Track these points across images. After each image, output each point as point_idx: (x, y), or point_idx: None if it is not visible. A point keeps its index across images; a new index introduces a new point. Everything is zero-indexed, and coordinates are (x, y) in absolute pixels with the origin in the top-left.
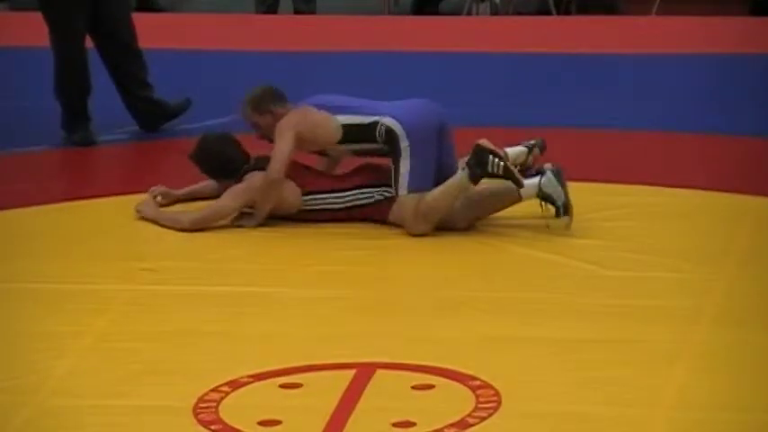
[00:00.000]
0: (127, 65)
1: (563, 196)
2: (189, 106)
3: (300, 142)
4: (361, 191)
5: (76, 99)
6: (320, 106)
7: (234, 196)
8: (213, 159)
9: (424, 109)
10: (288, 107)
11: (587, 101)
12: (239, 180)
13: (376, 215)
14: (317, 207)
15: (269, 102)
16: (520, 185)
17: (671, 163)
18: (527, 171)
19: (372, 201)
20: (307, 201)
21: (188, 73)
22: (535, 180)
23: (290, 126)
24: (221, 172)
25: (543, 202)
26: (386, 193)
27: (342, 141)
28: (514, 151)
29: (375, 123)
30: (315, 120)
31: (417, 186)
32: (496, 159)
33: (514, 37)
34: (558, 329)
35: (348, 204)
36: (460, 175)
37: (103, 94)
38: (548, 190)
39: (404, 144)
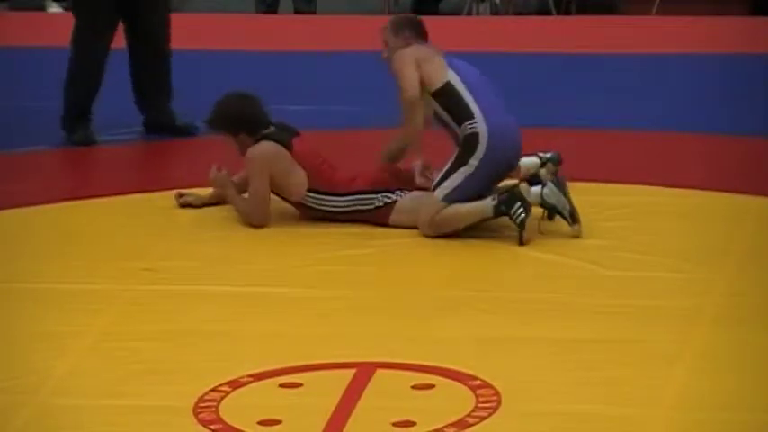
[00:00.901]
0: (154, 68)
1: (567, 204)
2: (195, 132)
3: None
4: (362, 197)
5: (83, 99)
6: (452, 65)
7: (257, 170)
8: (237, 114)
9: (512, 149)
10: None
11: (587, 101)
12: (257, 141)
13: (374, 220)
14: (316, 206)
15: (407, 28)
16: (521, 242)
17: (671, 163)
18: (532, 180)
19: (372, 207)
20: (307, 197)
21: (188, 73)
22: (537, 189)
23: (412, 59)
24: (245, 126)
25: (545, 212)
26: (386, 199)
27: (439, 94)
28: (527, 162)
29: (471, 116)
30: (436, 63)
31: (453, 200)
32: (521, 210)
33: (514, 37)
34: (558, 329)
35: (347, 209)
36: (487, 204)
37: (107, 93)
38: (551, 201)
39: (474, 161)
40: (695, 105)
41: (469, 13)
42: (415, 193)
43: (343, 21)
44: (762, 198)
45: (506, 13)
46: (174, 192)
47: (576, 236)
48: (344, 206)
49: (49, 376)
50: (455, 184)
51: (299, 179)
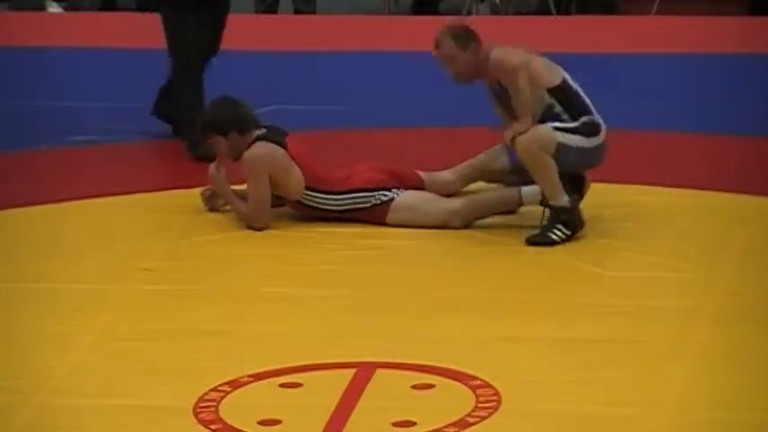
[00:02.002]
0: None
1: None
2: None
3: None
4: (360, 194)
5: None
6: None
7: (256, 172)
8: (226, 113)
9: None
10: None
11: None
12: (249, 146)
13: (372, 219)
14: (314, 204)
15: (472, 40)
16: (535, 242)
17: (671, 163)
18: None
19: (369, 205)
20: (306, 195)
21: None
22: (537, 188)
23: (520, 61)
24: (235, 124)
25: (546, 209)
26: (383, 197)
27: (556, 90)
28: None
29: (590, 111)
30: (539, 60)
31: (562, 147)
32: (564, 232)
33: (514, 37)
34: (558, 329)
35: (345, 207)
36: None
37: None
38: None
39: (592, 143)
40: (695, 105)
41: (469, 13)
42: (413, 192)
43: (343, 21)
44: (761, 198)
45: (506, 13)
46: (201, 191)
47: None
48: (342, 204)
49: (49, 376)
50: (571, 143)
51: (297, 177)
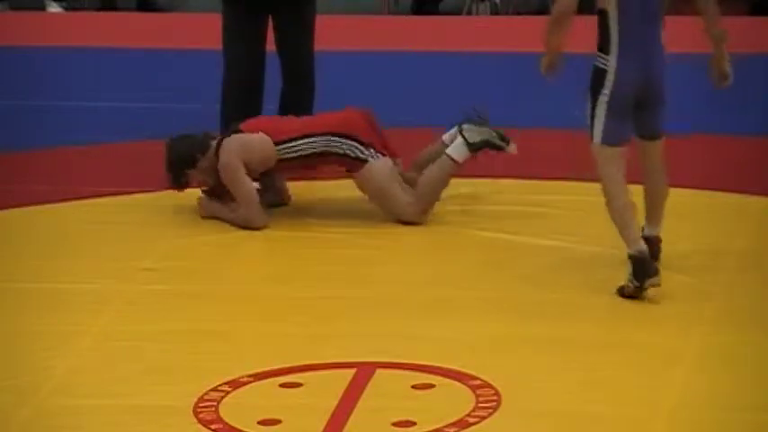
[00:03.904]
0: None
1: (492, 131)
2: None
3: None
4: (332, 138)
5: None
6: None
7: (234, 176)
8: (184, 147)
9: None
10: None
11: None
12: (216, 154)
13: (345, 167)
14: (291, 155)
15: None
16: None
17: (671, 163)
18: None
19: (341, 153)
20: (280, 150)
21: (187, 72)
22: (459, 140)
23: None
24: (197, 150)
25: (475, 153)
26: (358, 152)
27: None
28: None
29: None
30: None
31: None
32: (640, 279)
33: (514, 37)
34: (559, 329)
35: (319, 150)
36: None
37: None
38: (476, 139)
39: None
40: (695, 105)
41: (469, 13)
42: (386, 164)
43: (343, 21)
44: (762, 198)
45: (506, 13)
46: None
47: (514, 150)
48: (315, 147)
49: (49, 376)
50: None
51: (264, 144)
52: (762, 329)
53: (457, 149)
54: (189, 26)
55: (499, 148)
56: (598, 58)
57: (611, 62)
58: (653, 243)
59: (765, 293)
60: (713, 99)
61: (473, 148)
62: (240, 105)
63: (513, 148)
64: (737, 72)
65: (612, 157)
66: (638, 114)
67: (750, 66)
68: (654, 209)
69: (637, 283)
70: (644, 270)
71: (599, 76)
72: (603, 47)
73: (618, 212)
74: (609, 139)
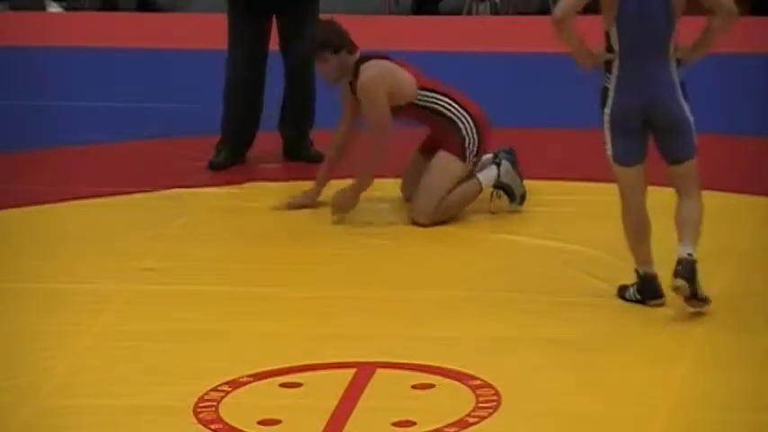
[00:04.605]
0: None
1: (521, 187)
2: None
3: None
4: (467, 118)
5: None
6: None
7: (375, 95)
8: (341, 34)
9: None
10: None
11: (587, 101)
12: (353, 68)
13: (448, 148)
14: (425, 104)
15: None
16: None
17: None
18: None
19: (462, 137)
20: (420, 94)
21: (187, 72)
22: (493, 171)
23: None
24: (348, 45)
25: (496, 191)
26: (471, 149)
27: None
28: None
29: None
30: None
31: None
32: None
33: (514, 37)
34: (559, 329)
35: (449, 116)
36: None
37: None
38: (506, 180)
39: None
40: (695, 105)
41: (469, 13)
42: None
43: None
44: (762, 198)
45: (506, 13)
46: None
47: (514, 212)
48: (453, 114)
49: (49, 376)
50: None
51: (410, 80)
52: (762, 329)
53: (487, 178)
54: (189, 26)
55: (511, 199)
56: (604, 76)
57: (612, 82)
58: (682, 263)
59: (765, 293)
60: (713, 99)
61: (497, 184)
62: (240, 104)
63: (515, 208)
64: (737, 72)
65: (626, 174)
66: (656, 137)
67: (750, 65)
68: (681, 230)
69: (639, 297)
70: (646, 290)
71: (604, 93)
72: (608, 65)
73: (630, 228)
74: (618, 159)
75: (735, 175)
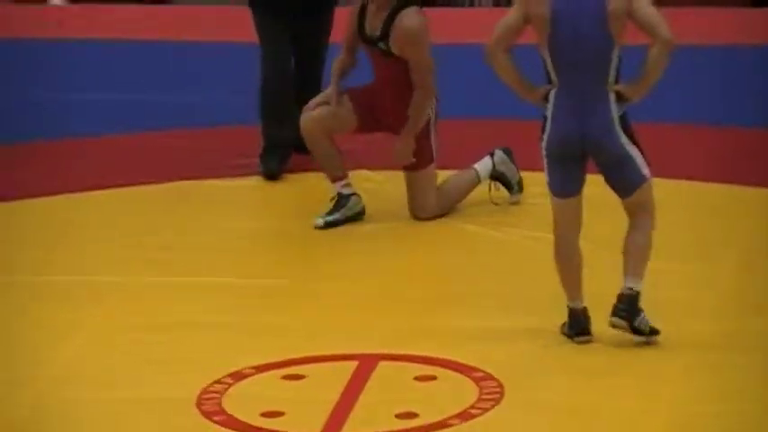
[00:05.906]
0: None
1: (516, 174)
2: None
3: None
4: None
5: (274, 128)
6: None
7: (424, 42)
8: None
9: None
10: None
11: None
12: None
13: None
14: None
15: None
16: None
17: (671, 155)
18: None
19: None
20: None
21: (190, 64)
22: (488, 161)
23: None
24: None
25: (494, 183)
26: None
27: None
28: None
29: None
30: None
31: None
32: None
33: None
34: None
35: None
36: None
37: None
38: (501, 168)
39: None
40: (695, 97)
41: (471, 4)
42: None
43: (344, 13)
44: (762, 190)
45: (508, 5)
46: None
47: (516, 203)
48: None
49: (49, 368)
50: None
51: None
52: (762, 322)
53: (483, 168)
54: (192, 18)
55: (508, 188)
56: (546, 105)
57: (549, 110)
58: (622, 299)
59: (765, 285)
60: (713, 91)
61: (494, 174)
62: (275, 97)
63: (516, 199)
64: (738, 64)
65: (562, 207)
66: (600, 171)
67: (750, 57)
68: (625, 263)
69: (569, 332)
70: (573, 325)
71: (543, 122)
72: (547, 94)
73: (558, 264)
74: (554, 189)
75: (735, 166)
